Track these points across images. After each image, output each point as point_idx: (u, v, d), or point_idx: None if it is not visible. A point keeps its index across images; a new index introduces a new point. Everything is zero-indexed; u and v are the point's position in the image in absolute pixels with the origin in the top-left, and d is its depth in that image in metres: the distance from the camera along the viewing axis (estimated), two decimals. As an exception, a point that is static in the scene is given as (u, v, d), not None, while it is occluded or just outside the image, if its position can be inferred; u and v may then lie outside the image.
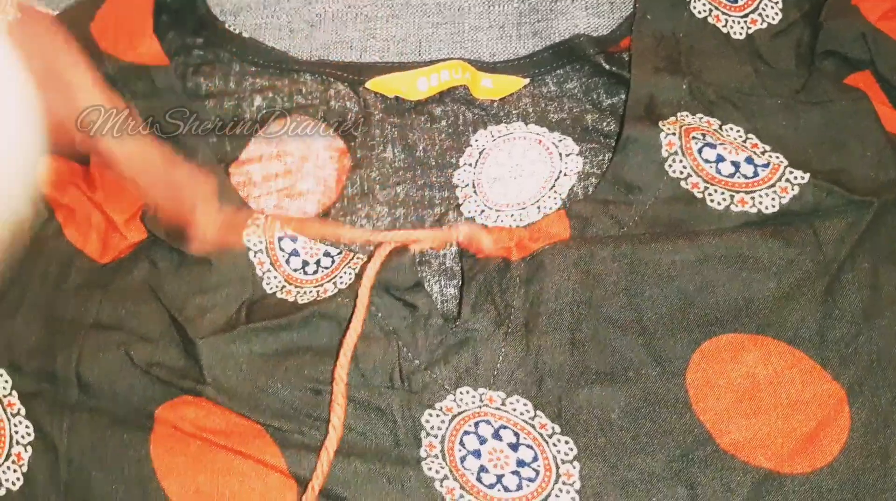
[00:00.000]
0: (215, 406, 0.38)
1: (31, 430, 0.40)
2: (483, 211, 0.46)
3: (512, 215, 0.46)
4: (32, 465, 0.39)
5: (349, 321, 0.38)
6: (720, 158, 0.42)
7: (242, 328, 0.38)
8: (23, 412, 0.40)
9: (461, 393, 0.39)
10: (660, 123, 0.42)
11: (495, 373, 0.39)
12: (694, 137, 0.42)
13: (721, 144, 0.42)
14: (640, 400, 0.38)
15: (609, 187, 0.42)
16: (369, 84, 0.49)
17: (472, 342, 0.40)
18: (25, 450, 0.40)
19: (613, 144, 0.46)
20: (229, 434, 0.38)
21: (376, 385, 0.39)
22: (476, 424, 0.38)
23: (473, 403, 0.39)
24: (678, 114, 0.43)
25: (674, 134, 0.42)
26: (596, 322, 0.39)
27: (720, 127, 0.43)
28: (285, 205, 0.46)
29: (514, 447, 0.38)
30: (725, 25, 0.46)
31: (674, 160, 0.42)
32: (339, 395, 0.38)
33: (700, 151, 0.42)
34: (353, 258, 0.42)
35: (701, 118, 0.43)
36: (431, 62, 0.49)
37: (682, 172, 0.42)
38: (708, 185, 0.41)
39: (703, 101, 0.44)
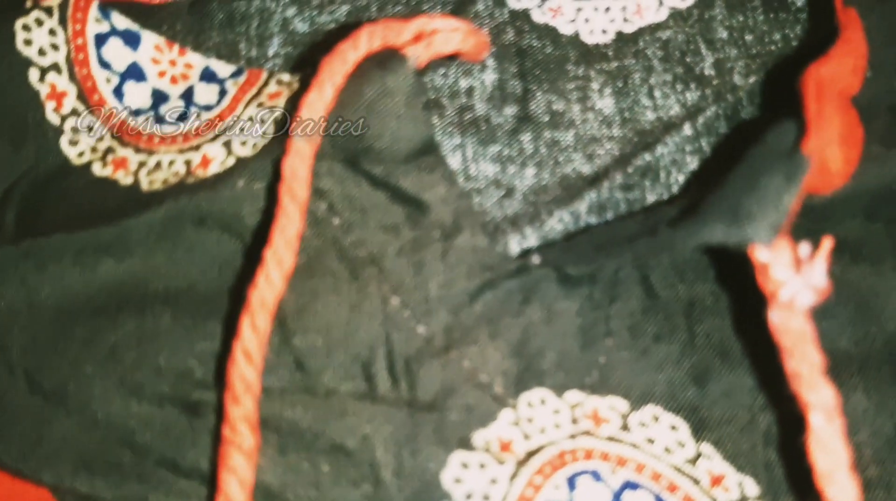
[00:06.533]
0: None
1: None
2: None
3: (608, 8, 0.22)
4: None
5: (268, 237, 0.17)
6: None
7: (27, 241, 0.19)
8: None
9: (528, 404, 0.17)
10: None
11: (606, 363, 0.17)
12: None
13: None
14: None
15: None
16: None
17: (544, 287, 0.17)
18: None
19: None
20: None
21: (335, 389, 0.17)
22: (571, 480, 0.17)
23: (559, 426, 0.17)
24: None
25: None
26: None
27: None
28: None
29: None
30: None
31: None
32: (240, 421, 0.16)
33: None
34: (267, 83, 0.19)
35: None
36: None
37: None
38: None
39: None
